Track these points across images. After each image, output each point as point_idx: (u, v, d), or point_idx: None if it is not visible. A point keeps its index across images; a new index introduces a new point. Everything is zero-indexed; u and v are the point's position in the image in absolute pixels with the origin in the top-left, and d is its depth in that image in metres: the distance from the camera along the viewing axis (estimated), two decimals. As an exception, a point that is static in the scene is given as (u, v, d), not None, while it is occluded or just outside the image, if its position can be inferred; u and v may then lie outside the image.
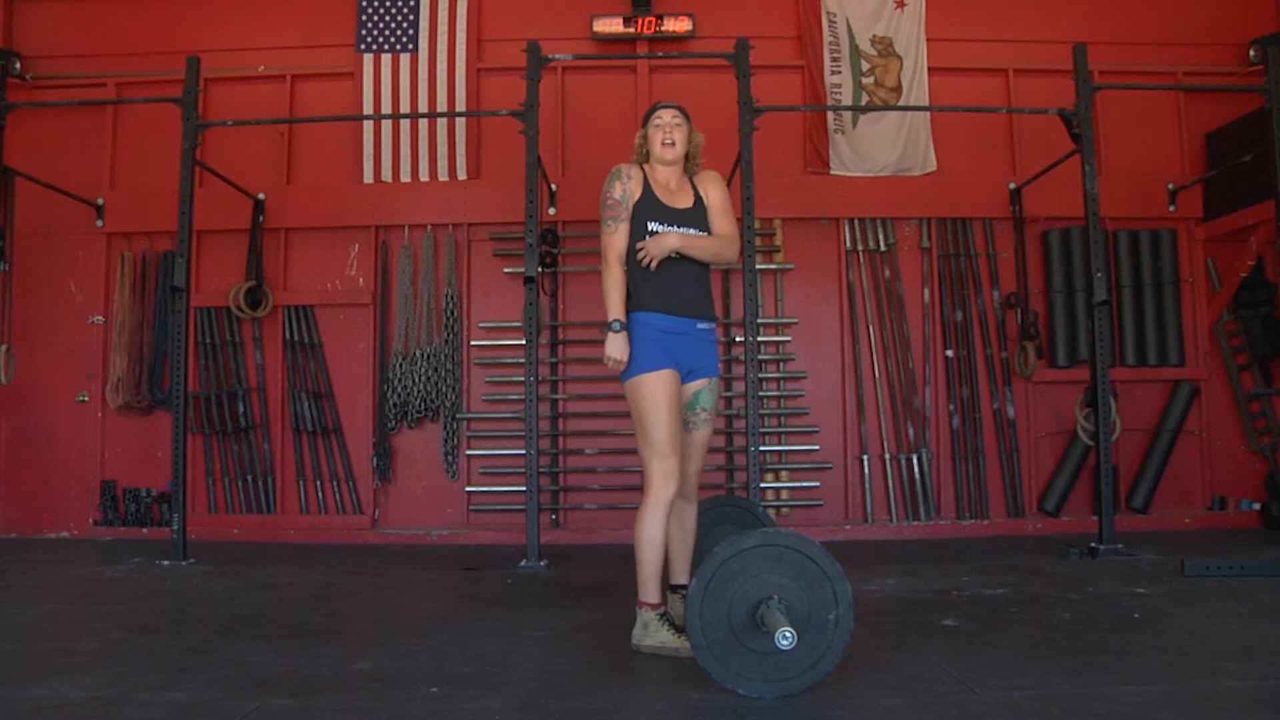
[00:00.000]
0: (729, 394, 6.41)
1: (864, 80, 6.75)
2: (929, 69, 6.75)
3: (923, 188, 6.64)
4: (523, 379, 5.56)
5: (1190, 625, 3.37)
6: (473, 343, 6.59)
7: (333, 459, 6.59)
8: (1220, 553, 4.90)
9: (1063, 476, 6.49)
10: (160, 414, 6.50)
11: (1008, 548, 5.62)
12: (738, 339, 6.35)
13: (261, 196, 6.54)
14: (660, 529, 3.01)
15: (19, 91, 6.57)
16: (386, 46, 6.72)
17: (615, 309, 3.11)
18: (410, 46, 6.72)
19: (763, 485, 5.94)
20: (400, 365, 6.51)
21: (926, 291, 6.67)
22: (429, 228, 6.66)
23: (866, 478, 6.49)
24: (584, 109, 6.75)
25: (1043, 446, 6.60)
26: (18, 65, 6.63)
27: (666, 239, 3.12)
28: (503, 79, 6.53)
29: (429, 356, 6.50)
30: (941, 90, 6.73)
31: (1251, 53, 6.68)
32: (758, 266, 6.11)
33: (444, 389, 6.47)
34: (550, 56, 5.38)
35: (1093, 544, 5.15)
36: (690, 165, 3.33)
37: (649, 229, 3.16)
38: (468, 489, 6.50)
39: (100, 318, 6.68)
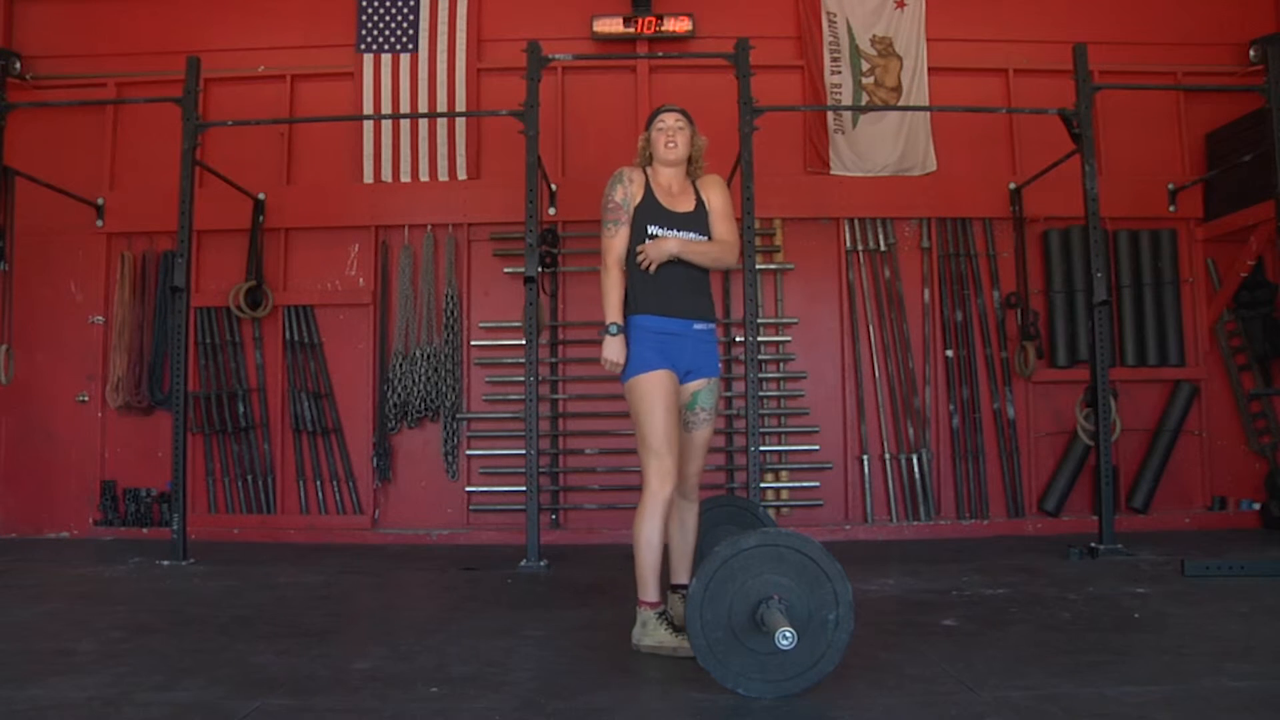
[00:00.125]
0: (729, 394, 6.41)
1: (864, 80, 6.75)
2: (929, 69, 6.76)
3: (923, 188, 6.65)
4: (523, 379, 5.56)
5: (1190, 625, 3.37)
6: (473, 343, 6.59)
7: (333, 459, 6.59)
8: (1220, 553, 4.90)
9: (1063, 476, 6.49)
10: (160, 414, 6.50)
11: (1008, 548, 5.62)
12: (738, 339, 6.35)
13: (261, 196, 6.54)
14: (657, 528, 3.02)
15: (19, 91, 6.57)
16: (386, 46, 6.72)
17: (612, 312, 3.14)
18: (410, 46, 6.72)
19: (763, 485, 5.94)
20: (400, 365, 6.51)
21: (926, 291, 6.67)
22: (429, 228, 6.66)
23: (866, 478, 6.49)
24: (584, 109, 6.75)
25: (1043, 446, 6.60)
26: (18, 65, 6.63)
27: (665, 244, 3.14)
28: (503, 79, 6.53)
29: (429, 356, 6.50)
30: (941, 90, 6.73)
31: (1251, 53, 6.68)
32: (758, 266, 6.12)
33: (444, 389, 6.47)
34: (550, 56, 5.38)
35: (1093, 544, 5.15)
36: (693, 168, 3.34)
37: (649, 232, 3.18)
38: (468, 489, 6.50)
39: (100, 318, 6.68)
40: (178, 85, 5.54)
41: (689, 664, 2.62)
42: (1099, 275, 5.28)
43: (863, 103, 6.70)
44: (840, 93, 6.72)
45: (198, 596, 4.25)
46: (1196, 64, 6.76)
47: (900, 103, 6.68)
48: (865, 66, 6.76)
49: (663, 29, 6.62)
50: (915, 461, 6.50)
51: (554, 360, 6.49)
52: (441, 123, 6.66)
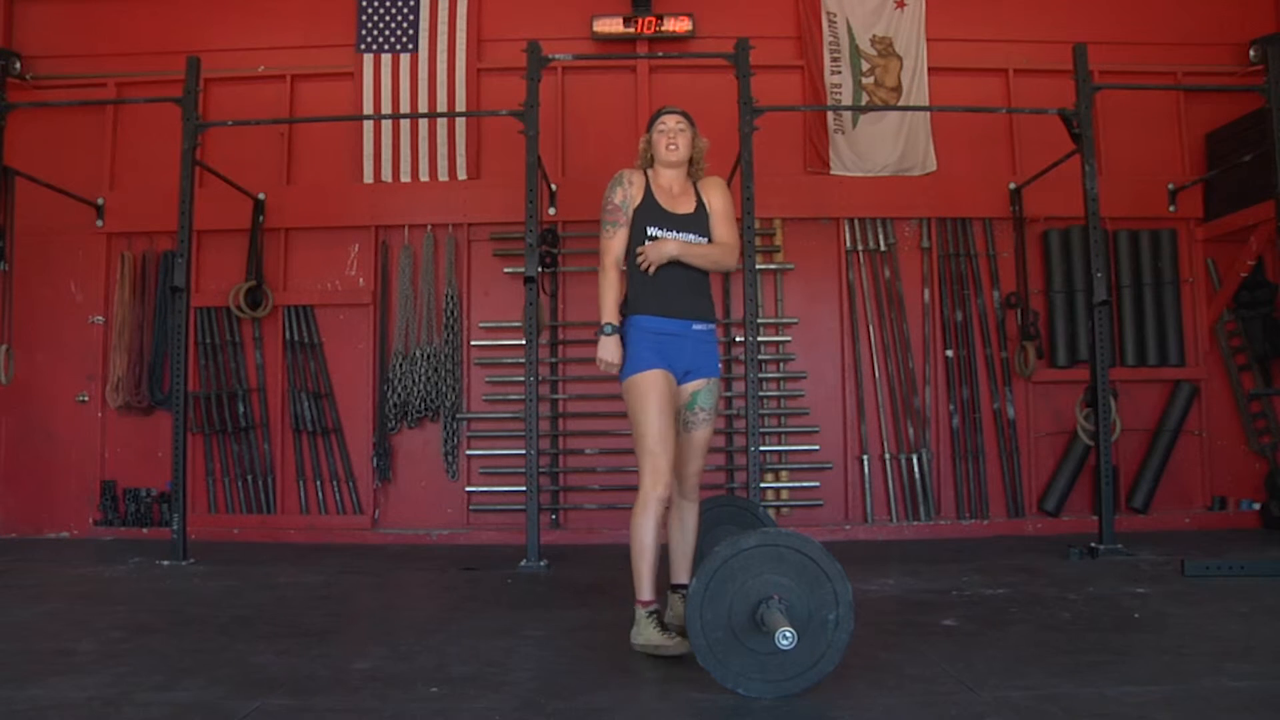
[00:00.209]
0: (729, 394, 6.41)
1: (864, 80, 6.75)
2: (929, 69, 6.76)
3: (923, 188, 6.65)
4: (523, 379, 5.56)
5: (1190, 625, 3.37)
6: (473, 343, 6.59)
7: (333, 459, 6.59)
8: (1220, 553, 4.90)
9: (1063, 476, 6.49)
10: (160, 414, 6.50)
11: (1008, 548, 5.62)
12: (738, 339, 6.35)
13: (261, 196, 6.54)
14: (650, 527, 3.02)
15: (19, 91, 6.57)
16: (386, 46, 6.72)
17: (608, 312, 3.16)
18: (410, 46, 6.72)
19: (763, 485, 5.94)
20: (400, 365, 6.51)
21: (926, 291, 6.67)
22: (429, 228, 6.66)
23: (866, 478, 6.49)
24: (584, 109, 6.75)
25: (1043, 446, 6.60)
26: (18, 65, 6.63)
27: (665, 246, 3.15)
28: (503, 79, 6.53)
29: (429, 356, 6.50)
30: (941, 90, 6.73)
31: (1251, 53, 6.68)
32: (758, 266, 6.12)
33: (444, 389, 6.47)
34: (550, 56, 5.38)
35: (1093, 544, 5.15)
36: (694, 170, 3.35)
37: (648, 233, 3.19)
38: (468, 489, 6.50)
39: (100, 318, 6.68)
40: (178, 85, 5.54)
41: (689, 664, 2.62)
42: (1099, 275, 5.28)
43: (863, 103, 6.69)
44: (840, 93, 6.72)
45: (198, 596, 4.25)
46: (1196, 64, 6.76)
47: (900, 103, 6.68)
48: (865, 66, 6.76)
49: (663, 29, 6.62)
50: (915, 461, 6.50)
51: (554, 360, 6.49)
52: (441, 123, 6.66)
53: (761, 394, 6.17)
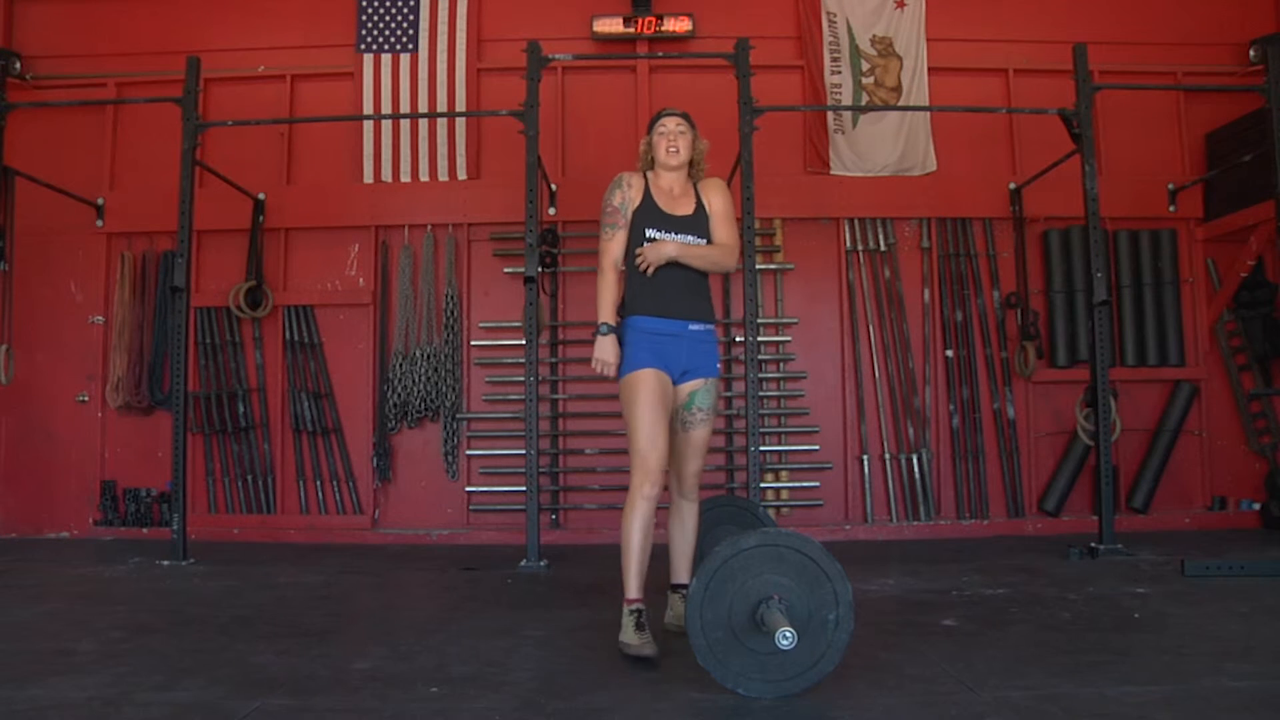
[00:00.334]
0: (729, 394, 6.41)
1: (864, 80, 6.75)
2: (929, 69, 6.75)
3: (923, 188, 6.65)
4: (523, 379, 5.56)
5: (1190, 625, 3.37)
6: (473, 343, 6.59)
7: (333, 459, 6.59)
8: (1220, 553, 4.90)
9: (1063, 476, 6.49)
10: (160, 414, 6.50)
11: (1008, 548, 5.62)
12: (738, 339, 6.35)
13: (261, 196, 6.54)
14: (637, 526, 3.03)
15: (19, 91, 6.57)
16: (386, 46, 6.72)
17: (605, 313, 3.18)
18: (410, 46, 6.72)
19: (763, 485, 5.94)
20: (400, 365, 6.51)
21: (926, 291, 6.67)
22: (429, 228, 6.66)
23: (866, 478, 6.49)
24: (584, 109, 6.75)
25: (1043, 446, 6.60)
26: (18, 65, 6.63)
27: (664, 247, 3.16)
28: (503, 79, 6.53)
29: (429, 356, 6.50)
30: (941, 90, 6.73)
31: (1251, 53, 6.68)
32: (758, 266, 6.12)
33: (444, 389, 6.47)
34: (550, 56, 5.38)
35: (1093, 544, 5.15)
36: (695, 171, 3.37)
37: (647, 235, 3.21)
38: (468, 489, 6.50)
39: (100, 318, 6.68)
40: (178, 85, 5.53)
41: (689, 664, 2.62)
42: (1099, 275, 5.28)
43: (863, 103, 6.70)
44: (840, 93, 6.72)
45: (198, 596, 4.25)
46: (1196, 64, 6.76)
47: (900, 103, 6.68)
48: (865, 66, 6.76)
49: (663, 29, 6.62)
50: (915, 461, 6.50)
51: (554, 360, 6.49)
52: (441, 123, 6.66)
53: (761, 394, 6.17)
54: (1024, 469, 6.55)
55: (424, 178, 6.66)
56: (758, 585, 2.53)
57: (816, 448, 6.50)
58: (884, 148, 6.69)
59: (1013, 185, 6.56)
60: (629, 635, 2.95)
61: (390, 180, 6.67)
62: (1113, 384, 5.74)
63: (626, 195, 3.24)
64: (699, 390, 3.22)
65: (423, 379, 6.47)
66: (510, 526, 6.20)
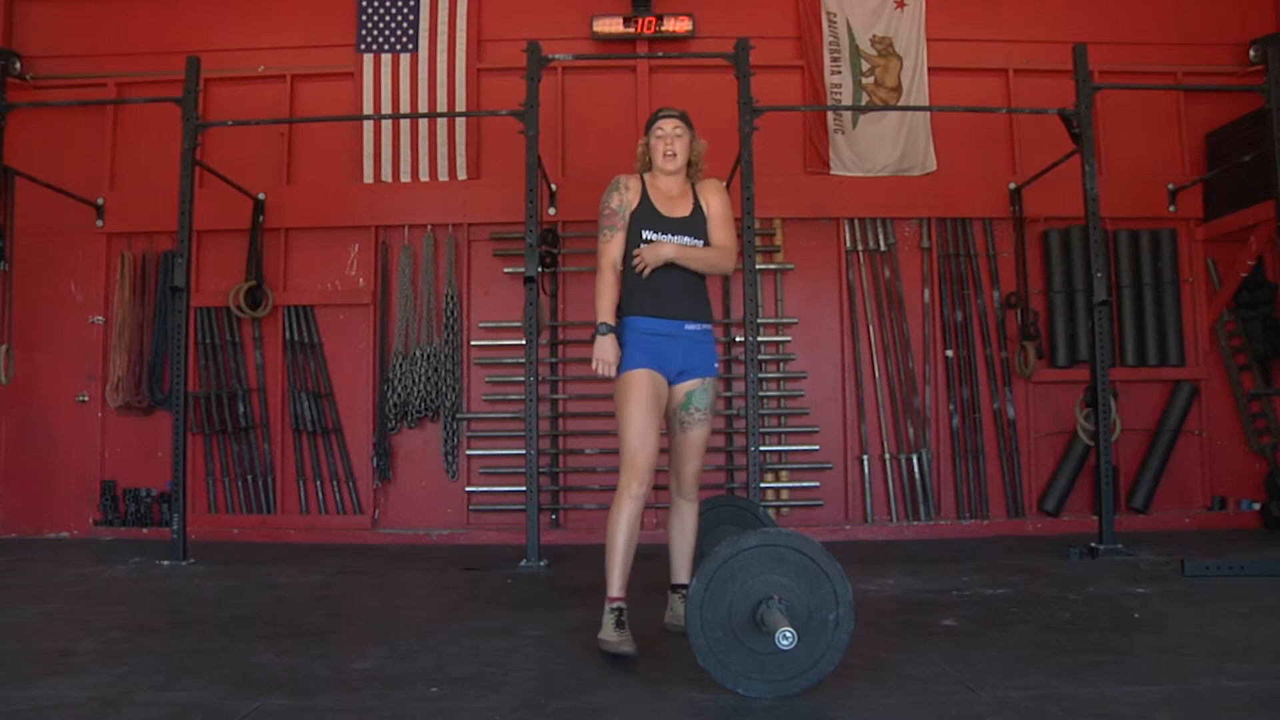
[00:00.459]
0: (729, 394, 6.42)
1: (864, 80, 6.75)
2: (929, 69, 6.75)
3: (923, 188, 6.65)
4: (523, 379, 5.57)
5: (1190, 625, 3.37)
6: (473, 343, 6.59)
7: (333, 459, 6.59)
8: (1220, 553, 4.90)
9: (1063, 476, 6.49)
10: (160, 414, 6.50)
11: (1008, 548, 5.62)
12: (738, 339, 6.35)
13: (261, 196, 6.54)
14: (623, 525, 3.04)
15: (19, 91, 6.57)
16: (386, 46, 6.72)
17: (604, 314, 3.18)
18: (410, 46, 6.72)
19: (763, 485, 5.94)
20: (400, 365, 6.51)
21: (926, 291, 6.67)
22: (429, 228, 6.66)
23: (866, 478, 6.49)
24: (584, 109, 6.75)
25: (1043, 446, 6.60)
26: (18, 65, 6.63)
27: (662, 248, 3.17)
28: (503, 79, 6.53)
29: (429, 356, 6.50)
30: (941, 90, 6.73)
31: (1251, 53, 6.68)
32: (758, 266, 6.12)
33: (444, 389, 6.47)
34: (550, 56, 5.38)
35: (1093, 544, 5.15)
36: (693, 172, 3.37)
37: (644, 237, 3.21)
38: (468, 489, 6.50)
39: (100, 318, 6.68)
40: (178, 85, 5.53)
41: (689, 664, 2.62)
42: (1099, 275, 5.28)
43: (863, 103, 6.70)
44: (840, 93, 6.72)
45: (198, 596, 4.25)
46: (1196, 64, 6.75)
47: (900, 103, 6.68)
48: (865, 66, 6.76)
49: (663, 29, 6.62)
50: (915, 461, 6.50)
51: (554, 360, 6.49)
52: (441, 123, 6.66)
53: (761, 394, 6.17)
54: (1024, 469, 6.55)
55: (424, 178, 6.66)
56: (758, 585, 2.53)
57: (816, 448, 6.50)
58: (884, 148, 6.68)
59: (1013, 185, 6.56)
60: (608, 633, 2.96)
61: (390, 180, 6.67)
62: (1113, 384, 5.74)
63: (624, 198, 3.25)
64: (696, 390, 3.22)
65: (423, 379, 6.47)
66: (510, 526, 6.20)
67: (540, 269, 5.61)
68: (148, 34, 6.82)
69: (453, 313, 6.55)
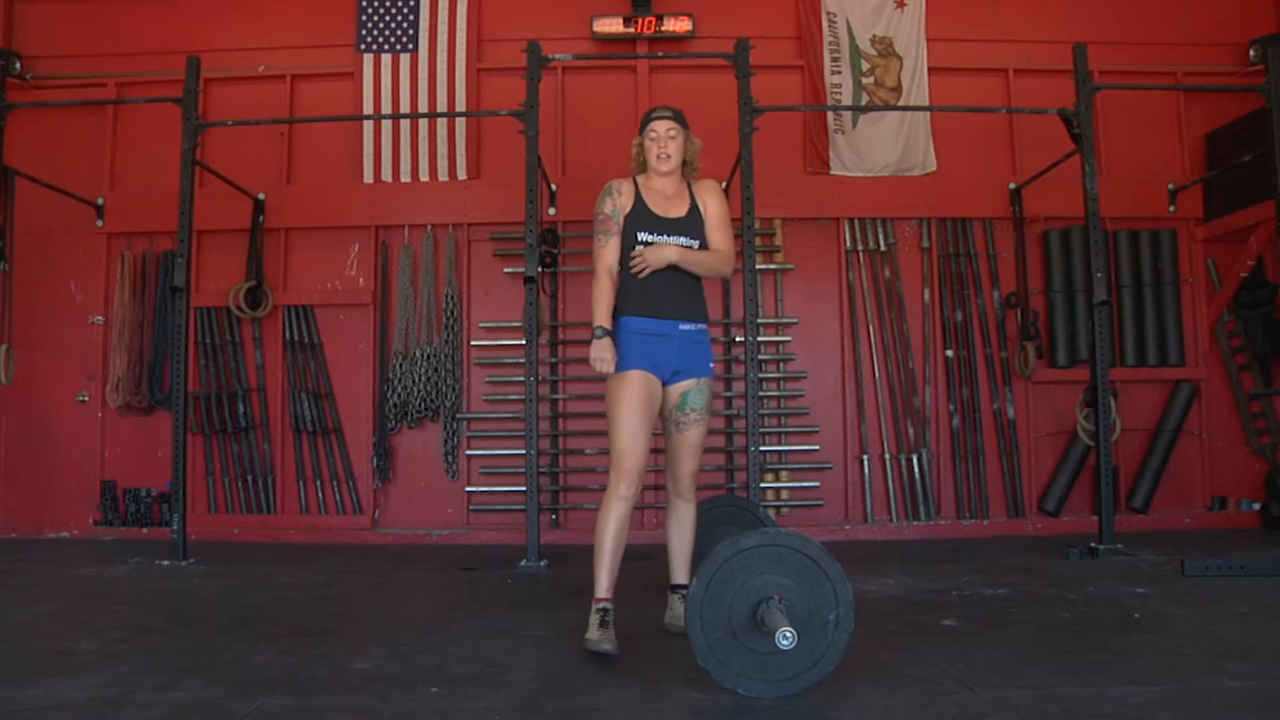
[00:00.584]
0: (729, 394, 6.42)
1: (864, 80, 6.75)
2: (929, 69, 6.75)
3: (923, 188, 6.65)
4: (523, 379, 5.57)
5: (1190, 625, 3.37)
6: (473, 343, 6.59)
7: (333, 459, 6.59)
8: (1220, 553, 4.90)
9: (1063, 476, 6.49)
10: (160, 414, 6.50)
11: (1008, 548, 5.62)
12: (738, 339, 6.35)
13: (261, 196, 6.54)
14: (610, 526, 3.05)
15: (19, 91, 6.57)
16: (386, 46, 6.72)
17: (600, 317, 3.18)
18: (410, 46, 6.72)
19: (763, 485, 5.94)
20: (400, 365, 6.51)
21: (926, 291, 6.67)
22: (429, 228, 6.66)
23: (866, 478, 6.49)
24: (584, 109, 6.75)
25: (1043, 446, 6.60)
26: (18, 65, 6.63)
27: (665, 251, 3.16)
28: (503, 79, 6.53)
29: (429, 356, 6.50)
30: (941, 90, 6.73)
31: (1251, 53, 6.67)
32: (758, 266, 6.12)
33: (444, 389, 6.47)
34: (550, 56, 5.38)
35: (1093, 544, 5.15)
36: (689, 170, 3.36)
37: (639, 238, 3.21)
38: (468, 489, 6.50)
39: (100, 318, 6.68)
40: (178, 85, 5.53)
41: (689, 664, 2.62)
42: (1099, 275, 5.28)
43: (863, 103, 6.69)
44: (840, 93, 6.72)
45: (198, 596, 4.25)
46: (1196, 64, 6.75)
47: (900, 103, 6.68)
48: (865, 66, 6.76)
49: (663, 29, 6.62)
50: (915, 461, 6.50)
51: (554, 360, 6.49)
52: (441, 123, 6.66)
53: (761, 394, 6.17)
54: (1024, 469, 6.55)
55: (424, 178, 6.66)
56: (758, 585, 2.53)
57: (816, 448, 6.50)
58: (884, 148, 6.68)
59: (1013, 185, 6.56)
60: (591, 632, 2.98)
61: (390, 180, 6.67)
62: (1113, 384, 5.73)
63: (617, 202, 3.24)
64: (691, 390, 3.22)
65: (423, 379, 6.47)
66: (510, 526, 6.20)
67: (540, 269, 5.61)
68: (148, 34, 6.82)
69: (453, 313, 6.55)
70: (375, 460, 6.50)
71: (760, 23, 6.61)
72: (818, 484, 6.45)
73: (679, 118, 3.31)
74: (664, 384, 3.21)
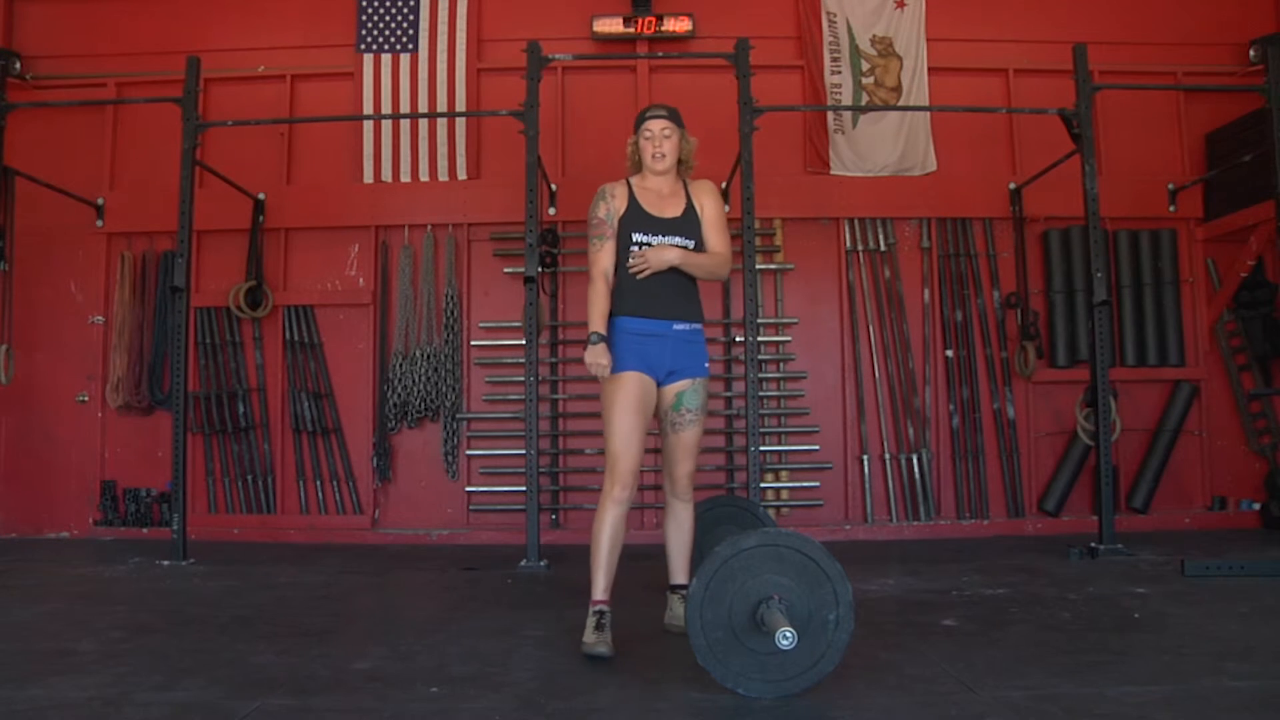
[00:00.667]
0: (729, 394, 6.42)
1: (864, 80, 6.75)
2: (929, 69, 6.75)
3: (923, 188, 6.64)
4: (523, 379, 5.57)
5: (1190, 625, 3.37)
6: (473, 343, 6.59)
7: (333, 459, 6.59)
8: (1220, 553, 4.90)
9: (1063, 476, 6.49)
10: (160, 414, 6.50)
11: (1008, 548, 5.62)
12: (738, 339, 6.35)
13: (261, 196, 6.54)
14: (605, 528, 3.05)
15: (19, 91, 6.57)
16: (386, 46, 6.72)
17: (596, 322, 3.16)
18: (410, 46, 6.72)
19: (763, 485, 5.94)
20: (400, 365, 6.51)
21: (926, 291, 6.67)
22: (429, 228, 6.66)
23: (866, 478, 6.49)
24: (584, 109, 6.75)
25: (1043, 446, 6.60)
26: (18, 65, 6.63)
27: (666, 253, 3.15)
28: (503, 79, 6.53)
29: (429, 356, 6.50)
30: (941, 90, 6.73)
31: (1251, 53, 6.67)
32: (758, 266, 6.12)
33: (444, 389, 6.47)
34: (550, 56, 5.38)
35: (1093, 544, 5.15)
36: (684, 169, 3.35)
37: (634, 239, 3.19)
38: (468, 489, 6.50)
39: (100, 318, 6.68)
40: (178, 85, 5.53)
41: (689, 664, 2.62)
42: (1099, 275, 5.28)
43: (863, 103, 6.69)
44: (840, 93, 6.72)
45: (198, 596, 4.25)
46: (1196, 64, 6.75)
47: (900, 103, 6.68)
48: (865, 66, 6.76)
49: (663, 29, 6.62)
50: (915, 461, 6.50)
51: (554, 360, 6.49)
52: (441, 123, 6.66)
53: (761, 394, 6.17)
54: (1024, 469, 6.55)
55: (424, 178, 6.66)
56: (758, 585, 2.53)
57: (816, 448, 6.50)
58: (884, 148, 6.68)
59: (1013, 185, 6.56)
60: (588, 635, 2.99)
61: (390, 180, 6.67)
62: (1113, 384, 5.73)
63: (610, 206, 3.23)
64: (686, 391, 3.21)
65: (423, 379, 6.47)
66: (510, 526, 6.20)
67: (540, 269, 5.61)
68: (148, 34, 6.82)
69: (453, 313, 6.55)
70: (375, 460, 6.50)
71: (760, 23, 6.61)
72: (818, 484, 6.45)
73: (674, 116, 3.29)
74: (659, 384, 3.20)
